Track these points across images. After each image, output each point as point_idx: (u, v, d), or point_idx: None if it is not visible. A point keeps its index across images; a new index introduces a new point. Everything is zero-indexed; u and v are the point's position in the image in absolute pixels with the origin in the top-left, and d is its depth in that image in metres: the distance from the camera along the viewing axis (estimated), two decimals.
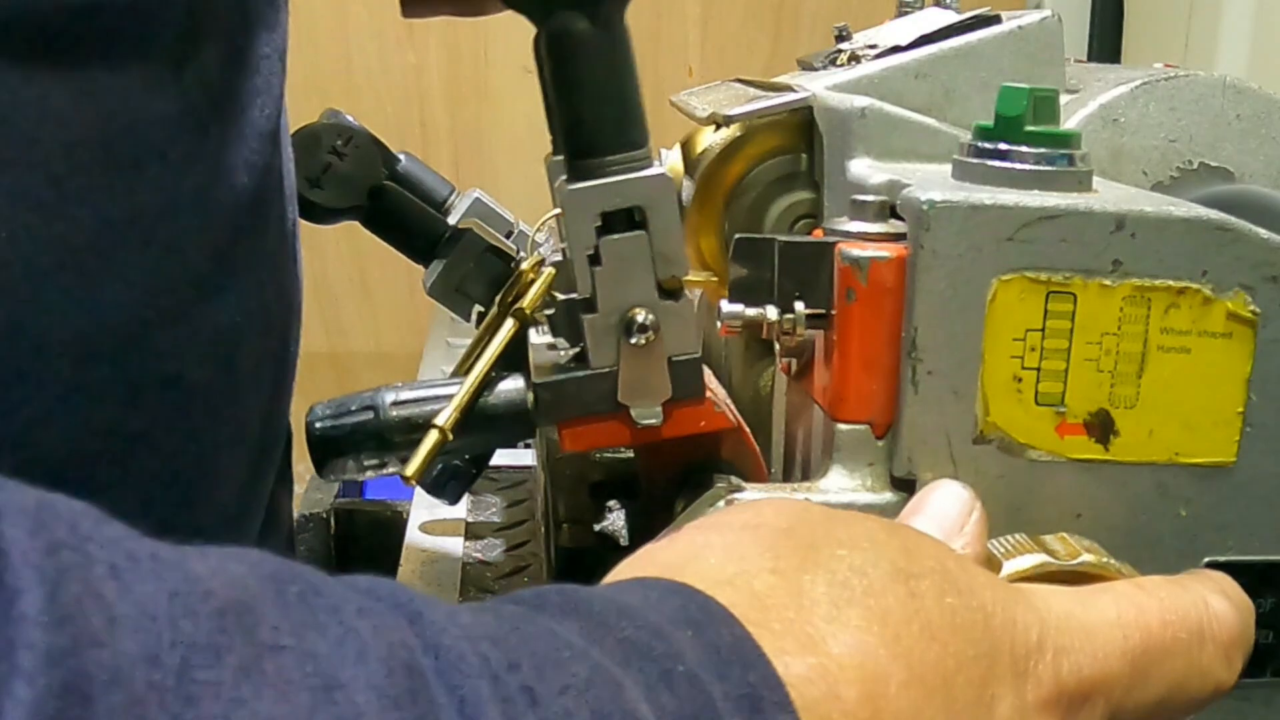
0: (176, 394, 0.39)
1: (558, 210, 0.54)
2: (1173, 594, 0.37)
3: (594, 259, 0.43)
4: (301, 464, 0.54)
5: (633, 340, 0.43)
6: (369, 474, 0.48)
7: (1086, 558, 0.38)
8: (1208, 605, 0.37)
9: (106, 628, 0.20)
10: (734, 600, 0.30)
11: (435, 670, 0.25)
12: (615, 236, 0.43)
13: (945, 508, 0.39)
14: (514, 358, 0.47)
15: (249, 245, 0.42)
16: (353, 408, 0.47)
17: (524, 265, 0.49)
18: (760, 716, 0.28)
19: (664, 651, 0.28)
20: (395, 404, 0.46)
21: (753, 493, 0.43)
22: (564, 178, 0.43)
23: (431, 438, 0.44)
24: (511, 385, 0.47)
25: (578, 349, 0.45)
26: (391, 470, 0.47)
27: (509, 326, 0.47)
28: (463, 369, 0.51)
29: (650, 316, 0.43)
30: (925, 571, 0.33)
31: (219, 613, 0.22)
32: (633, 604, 0.30)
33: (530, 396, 0.46)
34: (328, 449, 0.47)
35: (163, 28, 0.37)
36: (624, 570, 0.34)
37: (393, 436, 0.46)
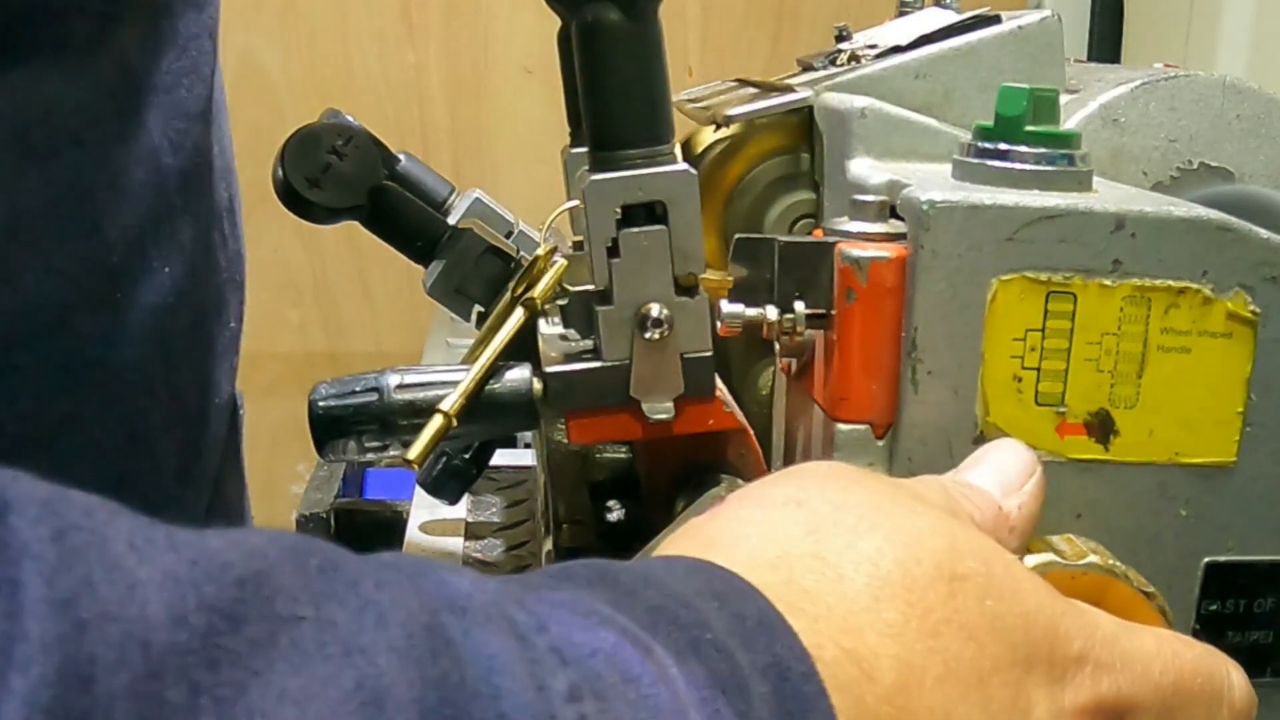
0: (105, 375, 0.39)
1: (564, 207, 0.54)
2: (1205, 654, 0.37)
3: (612, 251, 0.43)
4: (302, 463, 0.54)
5: (647, 335, 0.43)
6: (369, 456, 0.47)
7: (1093, 559, 0.38)
8: (1229, 674, 0.37)
9: (124, 596, 0.20)
10: (772, 582, 0.30)
11: (462, 630, 0.24)
12: (635, 230, 0.43)
13: (1006, 465, 0.39)
14: (521, 348, 0.47)
15: (177, 224, 0.42)
16: (356, 388, 0.47)
17: (538, 253, 0.49)
18: (786, 685, 0.28)
19: (691, 620, 0.28)
20: (400, 387, 0.46)
21: None
22: (586, 168, 0.43)
23: (436, 422, 0.44)
24: (517, 374, 0.46)
25: (590, 340, 0.45)
26: (393, 454, 0.47)
27: (518, 316, 0.47)
28: (471, 357, 0.51)
29: (665, 312, 0.43)
30: (969, 573, 0.33)
31: (238, 583, 0.22)
32: (658, 575, 0.30)
33: (539, 385, 0.46)
34: (329, 429, 0.47)
35: (78, 16, 0.36)
36: (668, 545, 0.34)
37: (396, 419, 0.46)
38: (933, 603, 0.32)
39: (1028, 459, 0.40)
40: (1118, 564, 0.38)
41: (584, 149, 0.45)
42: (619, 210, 0.42)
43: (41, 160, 0.36)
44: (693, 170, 0.43)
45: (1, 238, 0.35)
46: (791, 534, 0.33)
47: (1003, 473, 0.39)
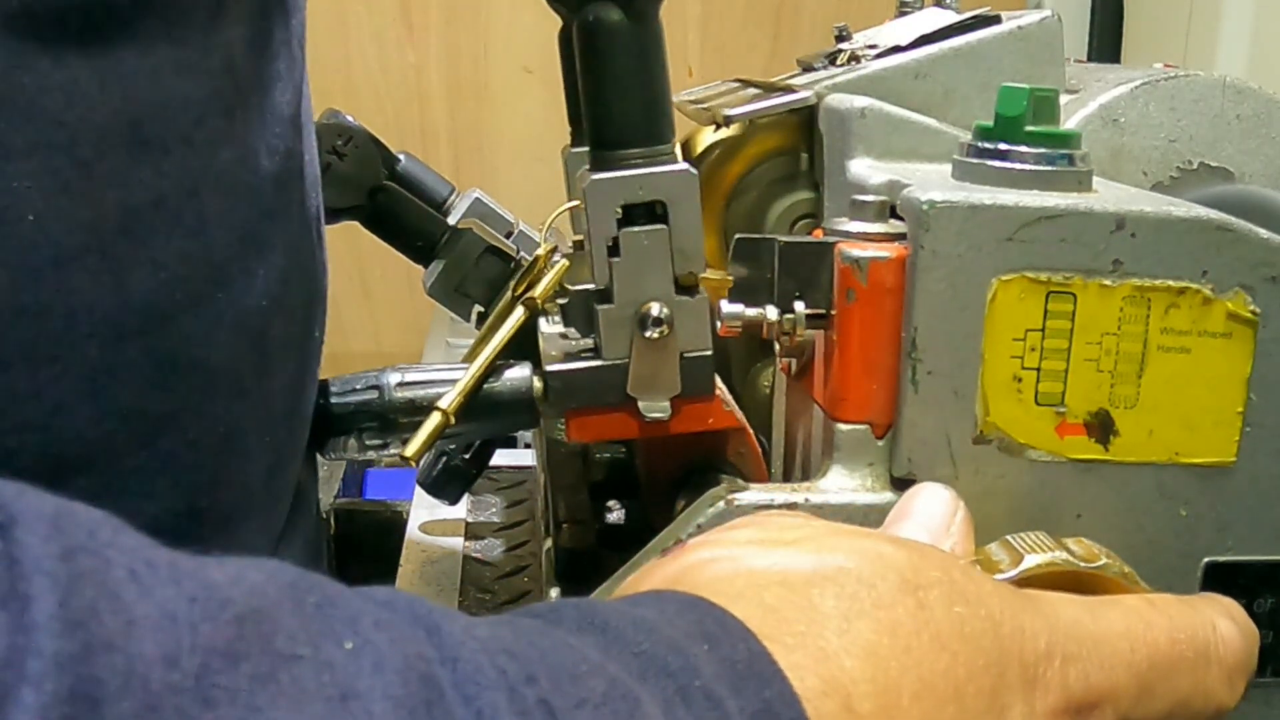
0: (203, 375, 0.40)
1: (565, 207, 0.54)
2: (1182, 613, 0.37)
3: (613, 250, 0.43)
4: None
5: (646, 334, 0.43)
6: (370, 454, 0.48)
7: (1032, 559, 0.38)
8: (1215, 628, 0.37)
9: (123, 630, 0.20)
10: (746, 614, 0.30)
11: (452, 682, 0.25)
12: (635, 229, 0.43)
13: (931, 511, 0.40)
14: (521, 346, 0.47)
15: (273, 228, 0.42)
16: (357, 386, 0.47)
17: (539, 252, 0.49)
18: None
19: (681, 666, 0.28)
20: (400, 385, 0.46)
21: (754, 494, 0.43)
22: (586, 167, 0.44)
23: (434, 420, 0.44)
24: (517, 373, 0.47)
25: (590, 339, 0.45)
26: (393, 451, 0.47)
27: (519, 315, 0.47)
28: (471, 355, 0.51)
29: (665, 311, 0.43)
30: (932, 582, 0.33)
31: (238, 620, 0.22)
32: (649, 618, 0.30)
33: (539, 384, 0.46)
34: (330, 426, 0.47)
35: (190, 10, 0.37)
36: (633, 585, 0.34)
37: (396, 417, 0.46)
38: (901, 616, 0.32)
39: (949, 500, 0.40)
40: (1058, 555, 0.38)
41: (585, 149, 0.45)
42: (619, 210, 0.43)
43: (153, 155, 0.36)
44: (693, 170, 0.43)
45: (112, 231, 0.35)
46: (755, 566, 0.33)
47: (928, 520, 0.40)
